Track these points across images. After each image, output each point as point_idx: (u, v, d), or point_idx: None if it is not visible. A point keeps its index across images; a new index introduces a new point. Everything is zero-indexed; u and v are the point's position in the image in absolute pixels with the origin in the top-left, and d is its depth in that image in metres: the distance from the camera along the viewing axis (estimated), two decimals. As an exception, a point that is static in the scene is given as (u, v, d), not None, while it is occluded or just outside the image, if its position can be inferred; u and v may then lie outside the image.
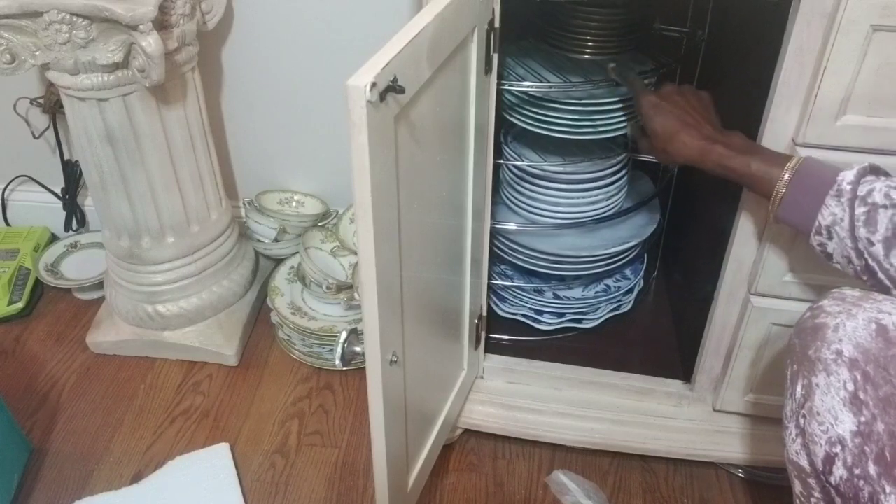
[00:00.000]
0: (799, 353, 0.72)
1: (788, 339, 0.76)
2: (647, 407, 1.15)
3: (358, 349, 0.80)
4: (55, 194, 1.56)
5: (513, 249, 1.20)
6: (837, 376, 0.67)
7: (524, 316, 1.25)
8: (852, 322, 0.68)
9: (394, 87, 0.63)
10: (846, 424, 0.66)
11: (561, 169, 1.13)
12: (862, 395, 0.65)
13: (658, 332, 1.28)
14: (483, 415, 1.16)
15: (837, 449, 0.66)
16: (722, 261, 0.98)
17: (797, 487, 0.74)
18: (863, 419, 0.65)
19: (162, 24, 1.06)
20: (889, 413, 0.63)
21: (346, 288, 1.29)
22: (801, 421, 0.71)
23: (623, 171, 1.17)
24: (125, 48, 1.03)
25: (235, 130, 1.48)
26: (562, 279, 1.27)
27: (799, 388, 0.71)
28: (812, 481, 0.72)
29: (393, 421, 0.84)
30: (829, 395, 0.67)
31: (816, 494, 0.73)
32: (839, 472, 0.66)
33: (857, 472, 0.65)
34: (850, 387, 0.66)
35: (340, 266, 1.40)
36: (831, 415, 0.67)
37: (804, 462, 0.72)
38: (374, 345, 0.75)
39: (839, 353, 0.67)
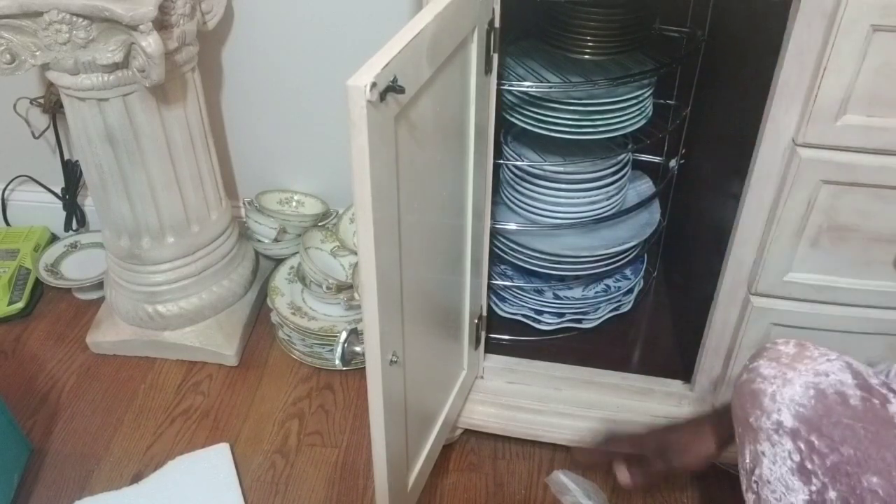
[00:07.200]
0: (741, 419, 0.70)
1: (732, 397, 0.73)
2: (647, 407, 1.14)
3: (358, 349, 0.80)
4: (55, 194, 1.56)
5: (513, 249, 1.20)
6: (782, 447, 0.66)
7: (524, 316, 1.25)
8: (789, 389, 0.66)
9: (394, 87, 0.63)
10: (799, 494, 0.64)
11: (561, 169, 1.13)
12: (809, 465, 0.64)
13: (658, 332, 1.28)
14: (483, 415, 1.16)
15: None
16: (722, 261, 0.98)
17: None
18: (814, 488, 0.63)
19: (162, 24, 1.06)
20: (839, 481, 0.62)
21: (346, 288, 1.29)
22: (755, 486, 0.69)
23: (623, 171, 1.17)
24: (125, 48, 1.03)
25: (235, 130, 1.48)
26: (562, 279, 1.27)
27: (747, 455, 0.70)
28: None
29: (393, 421, 0.84)
30: (777, 465, 0.66)
31: None
32: None
33: None
34: (797, 457, 0.65)
35: (340, 266, 1.40)
36: (782, 483, 0.66)
37: None
38: (374, 345, 0.75)
39: (779, 423, 0.66)
